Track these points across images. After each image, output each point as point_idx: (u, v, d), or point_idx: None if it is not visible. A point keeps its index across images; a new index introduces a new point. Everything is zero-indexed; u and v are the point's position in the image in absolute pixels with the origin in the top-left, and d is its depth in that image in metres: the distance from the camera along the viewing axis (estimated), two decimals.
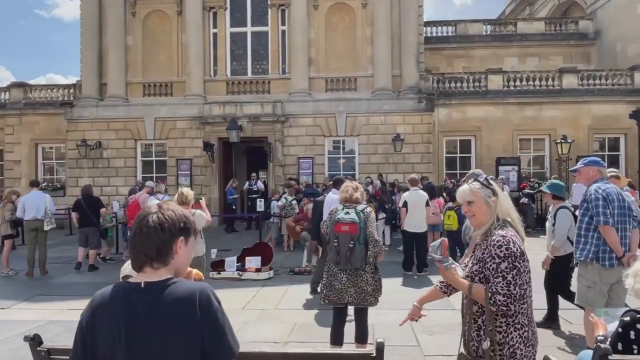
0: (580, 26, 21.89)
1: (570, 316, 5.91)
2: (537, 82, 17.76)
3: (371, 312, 6.29)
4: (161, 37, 17.84)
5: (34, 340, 2.44)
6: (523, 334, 2.15)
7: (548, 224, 5.54)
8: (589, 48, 21.57)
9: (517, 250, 2.14)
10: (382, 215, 11.92)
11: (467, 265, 2.38)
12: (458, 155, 18.17)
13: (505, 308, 2.09)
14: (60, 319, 6.21)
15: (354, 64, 17.48)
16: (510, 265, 2.11)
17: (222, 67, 17.85)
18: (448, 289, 2.62)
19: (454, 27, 22.21)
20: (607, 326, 3.11)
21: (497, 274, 2.12)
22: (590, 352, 2.99)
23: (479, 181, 2.35)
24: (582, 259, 4.23)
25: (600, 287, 4.14)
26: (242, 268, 8.71)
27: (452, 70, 20.13)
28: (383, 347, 2.37)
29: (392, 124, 16.79)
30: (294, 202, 12.24)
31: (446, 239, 2.45)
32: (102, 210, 10.16)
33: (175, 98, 17.53)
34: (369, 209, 4.26)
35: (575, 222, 4.81)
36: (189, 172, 17.24)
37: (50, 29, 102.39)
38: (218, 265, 8.70)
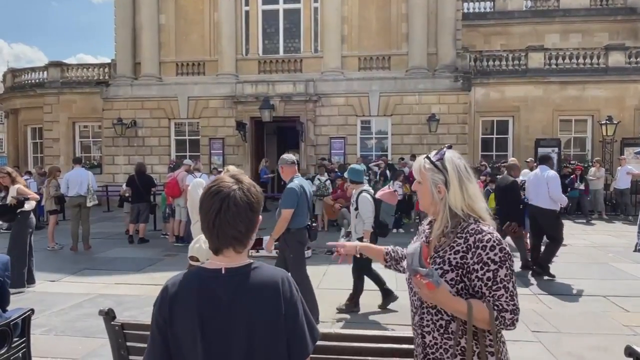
0: (628, 0, 20.65)
1: (626, 304, 5.68)
2: (580, 60, 16.94)
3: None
4: (194, 15, 17.77)
5: (108, 315, 2.43)
6: (504, 344, 1.75)
7: (352, 209, 5.54)
8: (638, 24, 20.37)
9: (509, 249, 1.68)
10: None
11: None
12: (494, 136, 17.64)
13: (512, 327, 1.63)
14: (109, 292, 6.36)
15: (388, 41, 17.03)
16: (509, 270, 1.65)
17: (254, 45, 17.70)
18: (391, 262, 2.21)
19: (492, 3, 21.34)
20: None
21: (496, 285, 1.62)
22: None
23: (430, 159, 1.80)
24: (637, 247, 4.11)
25: None
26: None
27: (490, 48, 19.40)
28: None
29: (427, 103, 16.38)
30: (328, 182, 12.16)
31: (426, 244, 1.78)
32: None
33: (207, 77, 17.54)
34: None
35: (379, 206, 5.37)
36: (221, 151, 17.34)
37: (80, 10, 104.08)
38: (256, 244, 8.71)
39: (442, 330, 1.70)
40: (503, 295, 1.61)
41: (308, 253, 8.72)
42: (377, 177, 12.96)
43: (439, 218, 1.77)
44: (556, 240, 7.12)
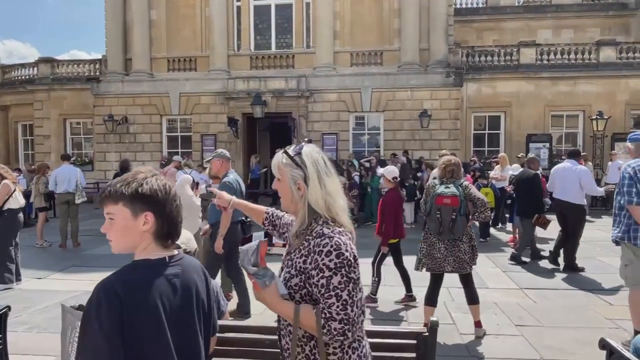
0: None
1: (610, 297, 5.73)
2: (572, 56, 17.00)
3: (401, 289, 6.25)
4: (185, 11, 17.65)
5: (79, 310, 2.42)
6: (362, 351, 1.65)
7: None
8: (629, 19, 20.46)
9: (350, 255, 1.55)
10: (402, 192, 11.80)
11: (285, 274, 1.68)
12: (486, 131, 17.69)
13: (341, 337, 1.53)
14: None
15: (380, 37, 17.00)
16: (345, 278, 1.52)
17: (246, 41, 17.62)
18: (269, 226, 2.14)
19: None
20: None
21: (329, 292, 1.52)
22: None
23: (288, 154, 1.69)
24: (614, 238, 4.27)
25: (638, 264, 4.08)
26: (270, 243, 8.71)
27: (482, 44, 19.41)
28: (436, 327, 2.28)
29: (419, 99, 16.38)
30: None
31: (265, 240, 1.69)
32: None
33: (199, 73, 17.45)
34: (466, 183, 4.55)
35: None
36: (213, 148, 17.20)
37: (74, 6, 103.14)
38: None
39: (291, 336, 1.63)
40: (334, 303, 1.52)
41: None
42: (368, 173, 12.96)
43: (298, 217, 1.68)
44: (576, 235, 7.18)
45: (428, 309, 4.57)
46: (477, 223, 7.02)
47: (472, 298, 4.56)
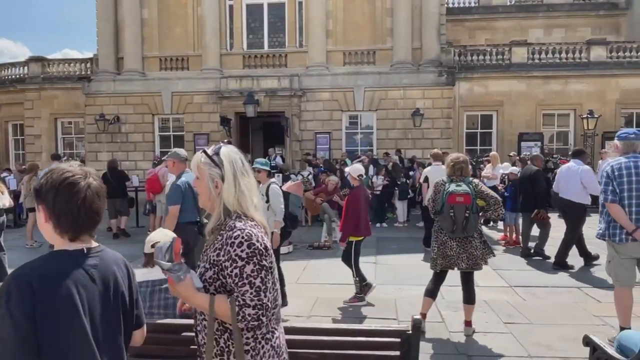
0: None
1: (599, 294, 5.78)
2: (563, 55, 17.12)
3: (392, 287, 6.27)
4: (177, 9, 17.57)
5: None
6: (275, 342, 1.72)
7: (263, 203, 5.44)
8: (619, 18, 20.63)
9: (261, 245, 1.65)
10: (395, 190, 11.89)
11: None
12: (479, 130, 17.78)
13: (256, 322, 1.62)
14: None
15: (373, 36, 17.01)
16: (257, 266, 1.63)
17: (239, 40, 17.57)
18: None
19: None
20: None
21: (242, 281, 1.61)
22: (633, 332, 2.86)
23: (206, 154, 1.79)
24: (597, 235, 4.36)
25: (620, 261, 4.15)
26: None
27: (474, 43, 19.49)
28: (420, 324, 2.29)
29: (412, 98, 16.41)
30: (310, 177, 12.18)
31: (179, 238, 1.80)
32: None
33: (191, 72, 17.38)
34: (476, 181, 4.61)
35: (288, 198, 5.50)
36: (206, 147, 17.21)
37: (66, 4, 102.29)
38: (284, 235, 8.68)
39: (206, 330, 1.69)
40: (248, 291, 1.60)
41: (289, 248, 8.74)
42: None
43: (214, 214, 1.76)
44: (574, 233, 7.23)
45: (427, 300, 4.63)
46: None
47: (469, 298, 4.57)
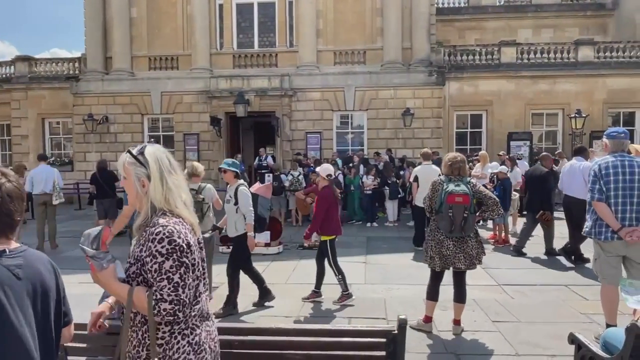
0: None
1: (586, 292, 5.82)
2: (551, 55, 17.25)
3: (382, 287, 6.28)
4: (166, 8, 17.45)
5: None
6: (193, 339, 1.74)
7: (228, 205, 5.39)
8: (607, 19, 20.85)
9: (183, 242, 1.69)
10: (386, 190, 11.89)
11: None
12: (469, 130, 17.86)
13: (172, 317, 1.66)
14: (71, 292, 6.18)
15: (363, 36, 17.04)
16: (177, 262, 1.66)
17: (229, 39, 17.49)
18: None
19: None
20: (630, 299, 2.99)
21: (161, 276, 1.66)
22: (616, 329, 2.88)
23: (131, 154, 1.82)
24: (584, 233, 4.42)
25: (605, 259, 4.19)
26: None
27: (464, 43, 19.59)
28: (405, 324, 2.28)
29: (402, 98, 16.46)
30: (301, 177, 12.16)
31: (108, 227, 1.82)
32: None
33: (181, 72, 17.28)
34: (474, 181, 4.65)
35: (256, 200, 5.42)
36: (196, 147, 17.13)
37: (54, 3, 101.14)
38: (227, 240, 8.62)
39: (131, 323, 1.76)
40: (166, 286, 1.65)
41: (280, 248, 8.71)
42: (351, 172, 12.97)
43: (142, 212, 1.80)
44: (581, 228, 7.25)
45: (430, 304, 4.65)
46: None
47: (460, 297, 4.59)
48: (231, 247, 8.36)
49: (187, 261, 1.69)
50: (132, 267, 1.74)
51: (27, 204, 10.80)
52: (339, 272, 5.64)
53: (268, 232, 8.68)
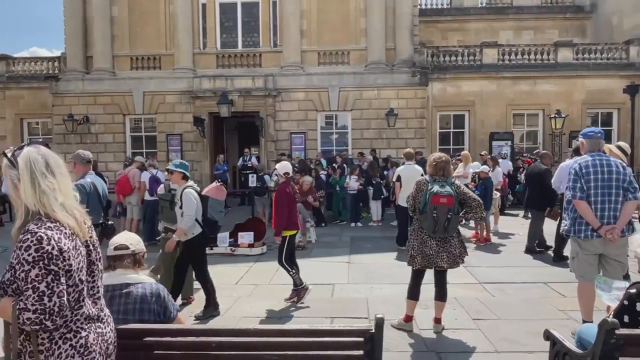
0: None
1: (564, 289, 5.93)
2: (532, 56, 17.56)
3: (365, 287, 6.31)
4: (148, 7, 17.24)
5: None
6: (77, 342, 1.73)
7: (177, 209, 5.27)
8: (585, 21, 21.29)
9: (53, 249, 1.64)
10: (370, 190, 11.94)
11: None
12: (452, 130, 18.06)
13: (37, 326, 1.63)
14: None
15: (347, 36, 17.08)
16: (44, 271, 1.62)
17: (212, 39, 17.36)
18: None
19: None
20: (605, 295, 3.07)
21: (27, 285, 1.63)
22: (591, 325, 2.94)
23: (5, 155, 1.80)
24: (562, 232, 4.48)
25: (583, 257, 4.26)
26: (234, 244, 8.64)
27: (447, 44, 19.79)
28: (382, 323, 2.29)
29: (386, 98, 16.55)
30: None
31: None
32: None
33: (163, 71, 17.09)
34: (458, 182, 4.71)
35: (206, 202, 5.23)
36: (179, 148, 16.96)
37: (33, 1, 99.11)
38: (210, 241, 8.56)
39: (9, 331, 1.72)
40: (30, 295, 1.62)
41: (263, 249, 8.68)
42: (336, 172, 13.00)
43: (19, 214, 1.78)
44: None
45: (411, 303, 4.67)
46: None
47: (441, 295, 4.63)
48: (214, 248, 8.37)
49: (57, 268, 1.65)
50: (7, 274, 1.70)
51: (4, 206, 10.63)
52: (292, 267, 5.69)
53: (252, 233, 8.67)
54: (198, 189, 5.39)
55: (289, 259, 5.77)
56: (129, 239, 2.67)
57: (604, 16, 20.36)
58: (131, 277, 2.48)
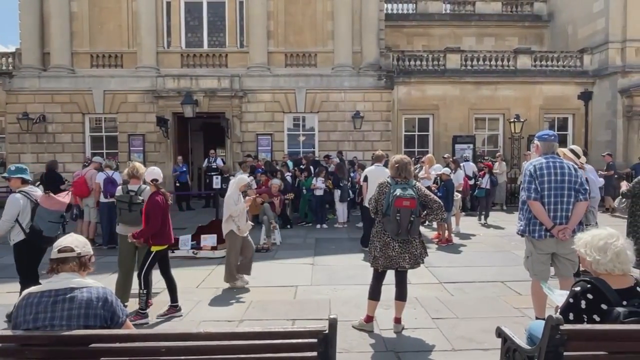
0: (535, 8, 22.36)
1: (520, 288, 6.12)
2: (493, 62, 18.09)
3: (328, 288, 6.31)
4: (109, 3, 16.74)
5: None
6: None
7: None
8: (543, 30, 22.14)
9: None
10: (337, 192, 11.98)
11: None
12: (416, 133, 18.37)
13: None
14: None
15: (314, 38, 17.13)
16: None
17: (176, 38, 17.03)
18: None
19: (414, 5, 22.14)
20: (553, 295, 3.19)
21: None
22: (540, 322, 3.03)
23: None
24: (517, 231, 4.61)
25: (537, 256, 4.41)
26: (197, 246, 8.47)
27: (412, 48, 20.16)
28: (335, 324, 2.29)
29: (352, 101, 16.69)
30: (253, 182, 12.02)
31: None
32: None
33: (125, 70, 16.63)
34: (419, 184, 4.74)
35: (35, 210, 5.00)
36: (141, 149, 16.54)
37: None
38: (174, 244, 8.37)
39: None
40: None
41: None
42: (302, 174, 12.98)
43: None
44: None
45: (372, 303, 4.69)
46: None
47: (402, 295, 4.68)
48: (176, 251, 8.17)
49: None
50: None
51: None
52: (146, 286, 5.12)
53: (215, 236, 8.51)
54: (37, 194, 5.11)
55: (164, 273, 5.31)
56: (74, 241, 2.56)
57: (560, 26, 21.24)
58: (76, 281, 2.37)
